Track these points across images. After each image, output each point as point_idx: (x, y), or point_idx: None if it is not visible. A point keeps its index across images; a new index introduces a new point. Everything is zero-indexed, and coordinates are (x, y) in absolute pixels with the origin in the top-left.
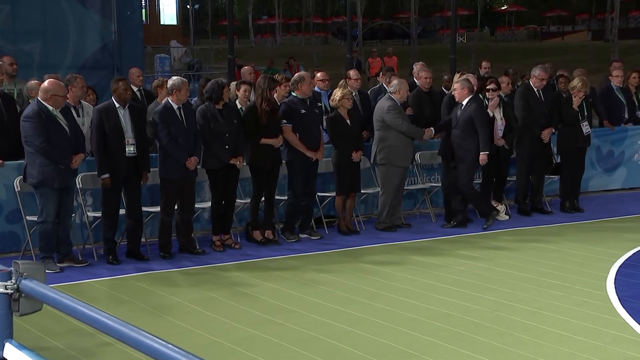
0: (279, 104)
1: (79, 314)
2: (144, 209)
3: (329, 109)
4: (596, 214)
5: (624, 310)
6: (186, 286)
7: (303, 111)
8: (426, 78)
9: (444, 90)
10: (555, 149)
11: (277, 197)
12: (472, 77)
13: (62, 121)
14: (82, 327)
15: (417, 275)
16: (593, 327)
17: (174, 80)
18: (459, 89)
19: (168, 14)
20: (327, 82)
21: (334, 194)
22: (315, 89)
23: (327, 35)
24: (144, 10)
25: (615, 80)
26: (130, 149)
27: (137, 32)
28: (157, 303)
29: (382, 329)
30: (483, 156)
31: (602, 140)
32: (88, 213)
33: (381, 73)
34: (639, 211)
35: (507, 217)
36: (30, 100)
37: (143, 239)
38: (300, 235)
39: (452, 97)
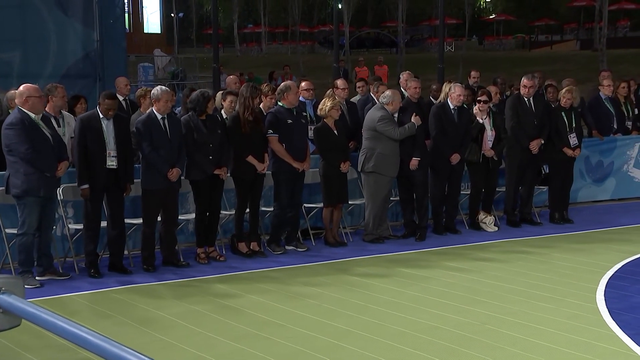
0: (264, 113)
1: (58, 329)
2: (127, 220)
3: (314, 118)
4: (586, 225)
5: (614, 322)
6: (170, 299)
7: (290, 121)
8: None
9: (432, 100)
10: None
11: (262, 209)
12: (459, 87)
13: (45, 129)
14: (62, 342)
15: (405, 287)
16: (583, 340)
17: (154, 90)
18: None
19: (152, 22)
20: (311, 92)
21: (320, 205)
22: (300, 98)
23: (314, 44)
24: (127, 19)
25: (606, 90)
26: (111, 161)
27: (120, 40)
28: (139, 317)
29: (370, 343)
30: (414, 161)
31: (591, 151)
32: (69, 225)
33: (368, 82)
34: (628, 222)
35: (496, 229)
36: (10, 110)
37: (125, 252)
38: (287, 248)
39: (440, 106)
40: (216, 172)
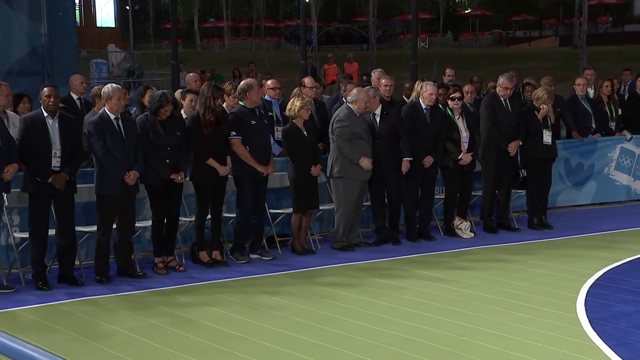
0: (227, 112)
1: (0, 346)
2: (78, 228)
3: (280, 119)
4: (565, 231)
5: (594, 333)
6: (125, 313)
7: (253, 122)
8: (387, 86)
9: (405, 99)
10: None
11: (225, 215)
12: (431, 86)
13: None
14: None
15: (376, 297)
16: (563, 351)
17: (105, 88)
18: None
19: (105, 15)
20: (278, 91)
21: (287, 210)
22: (266, 97)
23: (280, 40)
24: (77, 11)
25: (578, 89)
26: (56, 162)
27: (70, 35)
28: (92, 332)
29: (339, 356)
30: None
31: (571, 153)
32: (14, 234)
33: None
34: (609, 228)
35: (472, 235)
36: None
37: (77, 262)
38: (251, 256)
39: (411, 106)
40: (172, 176)
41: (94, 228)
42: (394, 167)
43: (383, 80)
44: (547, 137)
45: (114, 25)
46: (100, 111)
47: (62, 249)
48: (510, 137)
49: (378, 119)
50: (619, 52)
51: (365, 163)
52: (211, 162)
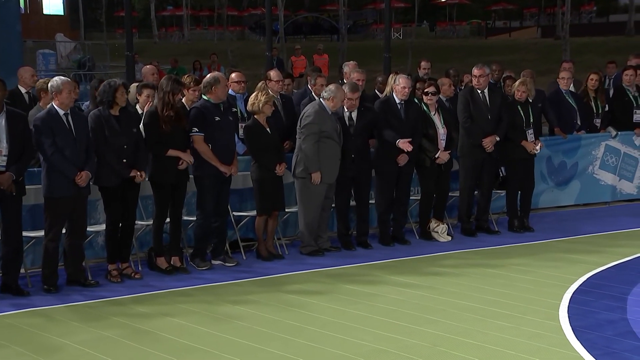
0: (187, 108)
1: None
2: (24, 234)
3: (245, 115)
4: (548, 234)
5: (578, 342)
6: (76, 325)
7: (217, 118)
8: (359, 80)
9: (377, 93)
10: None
11: (185, 218)
12: (404, 79)
13: None
14: None
15: (347, 306)
16: None
17: (53, 81)
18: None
19: (53, 2)
20: (242, 85)
21: (251, 213)
22: (230, 92)
23: (244, 30)
24: None
25: (562, 83)
26: (1, 161)
27: (14, 23)
28: (40, 346)
29: None
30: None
31: (554, 150)
32: None
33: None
34: (594, 230)
35: (449, 238)
36: None
37: (22, 270)
38: (213, 262)
39: (384, 101)
40: (132, 174)
41: (41, 233)
42: (366, 167)
43: (355, 75)
44: (530, 135)
45: (62, 13)
46: (48, 106)
47: (6, 256)
48: (487, 132)
49: (355, 116)
50: (603, 44)
51: (316, 178)
52: (172, 152)
